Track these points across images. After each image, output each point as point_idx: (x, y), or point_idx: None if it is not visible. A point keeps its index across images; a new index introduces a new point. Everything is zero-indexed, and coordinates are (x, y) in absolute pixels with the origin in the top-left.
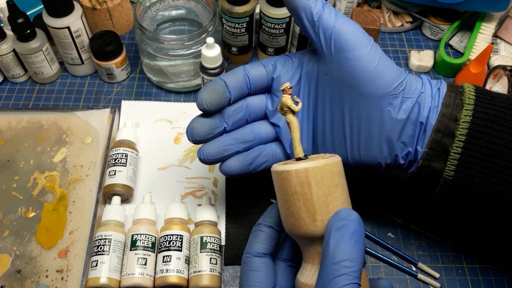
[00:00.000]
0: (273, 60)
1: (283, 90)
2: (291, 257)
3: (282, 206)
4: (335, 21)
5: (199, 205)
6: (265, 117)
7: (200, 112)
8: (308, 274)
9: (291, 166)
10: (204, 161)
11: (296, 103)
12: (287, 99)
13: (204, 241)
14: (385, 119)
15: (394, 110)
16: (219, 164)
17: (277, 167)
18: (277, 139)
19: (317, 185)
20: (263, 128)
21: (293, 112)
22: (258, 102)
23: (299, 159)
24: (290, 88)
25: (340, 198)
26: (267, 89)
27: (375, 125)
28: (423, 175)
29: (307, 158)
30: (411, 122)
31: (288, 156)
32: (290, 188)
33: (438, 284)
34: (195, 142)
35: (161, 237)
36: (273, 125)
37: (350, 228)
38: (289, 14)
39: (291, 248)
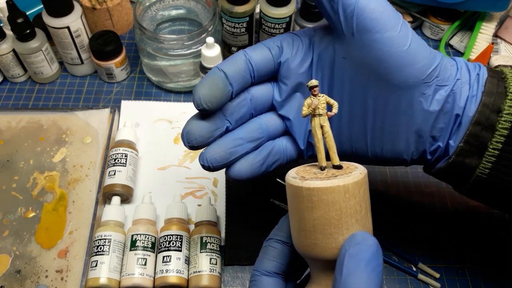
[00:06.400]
0: (278, 40)
1: (309, 88)
2: (298, 276)
3: (294, 221)
4: None
5: (199, 205)
6: (271, 108)
7: (196, 111)
8: None
9: (310, 183)
10: (208, 168)
11: (329, 107)
12: (315, 100)
13: (204, 241)
14: (416, 112)
15: (426, 101)
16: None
17: (293, 180)
18: (286, 132)
19: (335, 204)
20: (271, 122)
21: (320, 114)
22: (264, 92)
23: (321, 168)
24: (315, 87)
25: (360, 219)
26: (273, 75)
27: (403, 118)
28: (452, 171)
29: (330, 169)
30: (444, 114)
31: (301, 151)
32: (301, 204)
33: (438, 284)
34: (193, 148)
35: (161, 237)
36: (282, 117)
37: (366, 254)
38: (289, 14)
39: (299, 266)
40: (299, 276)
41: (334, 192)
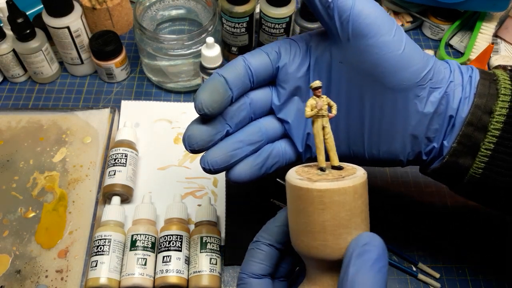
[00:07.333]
0: (276, 46)
1: (312, 89)
2: (286, 274)
3: (298, 223)
4: (353, 2)
5: (199, 205)
6: (270, 111)
7: (196, 114)
8: None
9: (321, 184)
10: (209, 171)
11: (329, 108)
12: (320, 101)
13: (204, 241)
14: (411, 113)
15: (420, 103)
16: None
17: (300, 182)
18: (285, 135)
19: (346, 205)
20: (270, 125)
21: (323, 116)
22: (263, 96)
23: (321, 169)
24: (318, 88)
25: (364, 218)
26: (272, 80)
27: (399, 120)
28: (447, 171)
29: (329, 170)
30: (438, 115)
31: (299, 154)
32: (311, 206)
33: (438, 284)
34: (194, 151)
35: (160, 237)
36: (281, 120)
37: (372, 254)
38: (289, 14)
39: (288, 264)
40: (286, 274)
41: (346, 193)
